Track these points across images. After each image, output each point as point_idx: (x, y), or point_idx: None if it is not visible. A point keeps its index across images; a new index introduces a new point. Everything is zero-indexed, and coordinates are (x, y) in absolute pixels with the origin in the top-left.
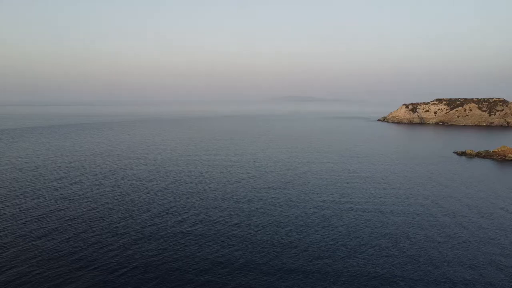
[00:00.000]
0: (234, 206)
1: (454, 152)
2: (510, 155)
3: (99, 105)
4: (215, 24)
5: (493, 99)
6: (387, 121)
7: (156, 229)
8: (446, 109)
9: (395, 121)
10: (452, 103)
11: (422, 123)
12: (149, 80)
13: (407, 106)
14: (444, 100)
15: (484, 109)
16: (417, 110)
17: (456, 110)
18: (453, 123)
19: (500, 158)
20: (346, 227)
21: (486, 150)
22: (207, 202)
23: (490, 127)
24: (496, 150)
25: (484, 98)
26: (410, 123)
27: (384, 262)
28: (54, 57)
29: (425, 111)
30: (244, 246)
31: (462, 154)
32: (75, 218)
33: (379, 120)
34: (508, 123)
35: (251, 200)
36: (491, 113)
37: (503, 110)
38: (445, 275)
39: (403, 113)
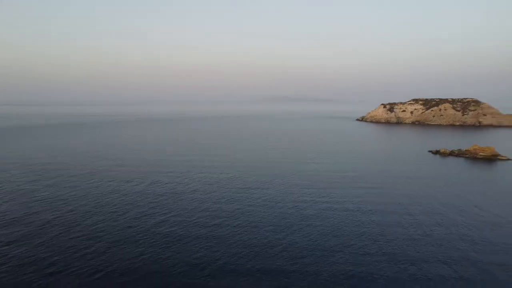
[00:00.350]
0: (213, 207)
1: (429, 151)
2: (481, 153)
3: (85, 105)
4: (208, 23)
5: (467, 100)
6: (366, 121)
7: (134, 231)
8: (422, 109)
9: (373, 120)
10: (428, 103)
11: (399, 122)
12: (137, 79)
13: (384, 106)
14: (421, 100)
15: (458, 109)
16: (394, 110)
17: (431, 110)
18: (428, 122)
19: (472, 157)
20: (324, 227)
21: (459, 149)
22: (185, 203)
23: (463, 126)
24: (469, 149)
25: (458, 99)
26: (388, 122)
27: (362, 260)
28: (39, 55)
29: (402, 111)
30: (223, 247)
31: (437, 153)
32: (49, 222)
33: (357, 119)
34: (480, 122)
35: (230, 201)
36: (465, 113)
37: (475, 110)
38: (421, 271)
39: (381, 113)
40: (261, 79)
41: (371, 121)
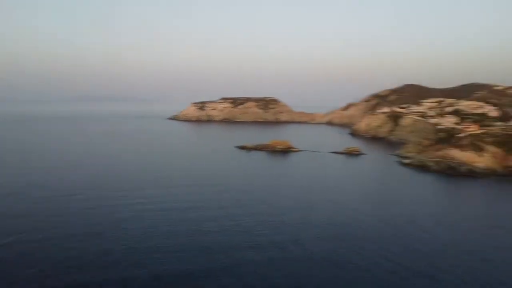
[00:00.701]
0: None
1: (236, 146)
2: (278, 147)
3: None
4: None
5: (268, 98)
6: (178, 119)
7: None
8: (231, 107)
9: (185, 119)
10: (235, 102)
11: (210, 120)
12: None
13: (196, 104)
14: (229, 99)
15: (261, 107)
16: (205, 108)
17: (238, 108)
18: (236, 119)
19: (271, 150)
20: (137, 230)
21: (262, 144)
22: None
23: (265, 122)
24: (269, 143)
25: (261, 97)
26: (199, 120)
27: (179, 257)
28: None
29: (212, 109)
30: None
31: (243, 147)
32: None
33: (170, 118)
34: (278, 119)
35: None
36: (266, 111)
37: (274, 108)
38: (231, 258)
39: (193, 111)
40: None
41: (184, 120)
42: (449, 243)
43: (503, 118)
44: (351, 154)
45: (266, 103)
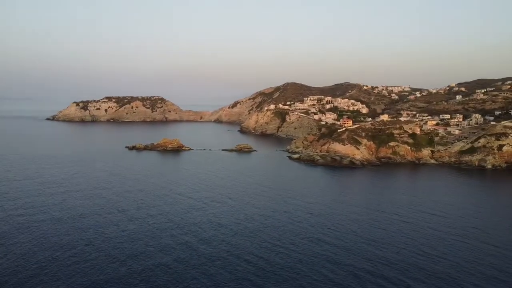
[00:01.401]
0: None
1: (126, 147)
2: (170, 145)
3: None
4: None
5: (154, 98)
6: (58, 120)
7: None
8: (116, 107)
9: (66, 119)
10: (121, 101)
11: (94, 120)
12: None
13: (77, 104)
14: (114, 98)
15: (147, 106)
16: (88, 108)
17: (125, 108)
18: (123, 119)
19: (162, 149)
20: (27, 244)
21: (152, 143)
22: None
23: (153, 122)
24: (159, 143)
25: (147, 97)
26: (82, 121)
27: (75, 270)
28: None
29: (96, 109)
30: None
31: (133, 148)
32: None
33: (48, 119)
34: (166, 118)
35: None
36: (153, 110)
37: (162, 107)
38: (136, 266)
39: (74, 111)
40: None
41: (64, 120)
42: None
43: (372, 114)
44: (243, 151)
45: (153, 102)
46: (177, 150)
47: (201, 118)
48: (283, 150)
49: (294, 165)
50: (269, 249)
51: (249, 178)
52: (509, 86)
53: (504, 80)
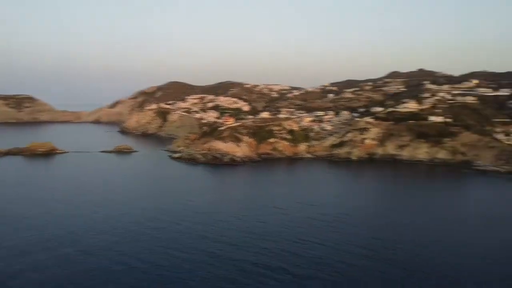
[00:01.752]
0: None
1: None
2: (40, 149)
3: None
4: None
5: (21, 96)
6: None
7: None
8: None
9: None
10: None
11: None
12: None
13: None
14: None
15: (12, 105)
16: None
17: None
18: None
19: (31, 154)
20: None
21: (17, 147)
22: None
23: (19, 123)
24: (28, 146)
25: (11, 95)
26: None
27: None
28: None
29: None
30: None
31: None
32: None
33: None
34: (36, 119)
35: None
36: (20, 110)
37: (31, 107)
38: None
39: None
40: None
41: None
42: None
43: (253, 112)
44: (122, 152)
45: (19, 101)
46: (49, 153)
47: (78, 118)
48: (165, 150)
49: (175, 164)
50: (152, 250)
51: (129, 179)
52: (370, 87)
53: (367, 81)
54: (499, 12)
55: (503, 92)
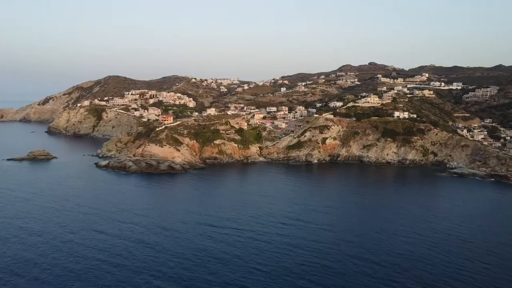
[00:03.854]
0: None
1: None
2: None
3: None
4: None
5: None
6: None
7: None
8: None
9: None
10: None
11: None
12: None
13: None
14: None
15: None
16: None
17: None
18: None
19: None
20: None
21: None
22: None
23: None
24: None
25: None
26: None
27: None
28: None
29: None
30: None
31: None
32: None
33: None
34: None
35: None
36: None
37: None
38: None
39: None
40: None
41: None
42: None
43: (200, 108)
44: (37, 159)
45: None
46: None
47: (1, 117)
48: (93, 155)
49: (101, 175)
50: None
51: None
52: (324, 80)
53: (319, 75)
54: (448, 8)
55: (456, 86)
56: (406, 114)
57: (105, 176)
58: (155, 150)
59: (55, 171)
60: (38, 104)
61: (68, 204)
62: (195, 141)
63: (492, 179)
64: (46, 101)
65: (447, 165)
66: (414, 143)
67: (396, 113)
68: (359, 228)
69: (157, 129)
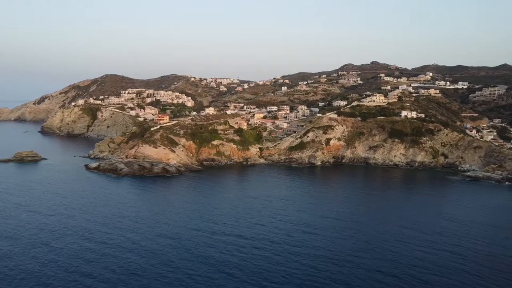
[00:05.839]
0: None
1: None
2: None
3: None
4: None
5: None
6: None
7: None
8: None
9: None
10: None
11: None
12: None
13: None
14: None
15: None
16: None
17: None
18: None
19: None
20: None
21: None
22: None
23: None
24: None
25: None
26: None
27: None
28: None
29: None
30: None
31: None
32: None
33: None
34: None
35: None
36: None
37: None
38: None
39: None
40: None
41: None
42: None
43: (198, 107)
44: (24, 160)
45: None
46: None
47: None
48: (85, 156)
49: (91, 178)
50: None
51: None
52: (325, 80)
53: (320, 74)
54: (448, 8)
55: (462, 85)
56: (414, 114)
57: (94, 179)
58: (148, 151)
59: (39, 174)
60: (34, 103)
61: (42, 217)
62: (191, 141)
63: (509, 183)
64: (42, 100)
65: (459, 168)
66: (423, 144)
67: (404, 113)
68: (375, 241)
69: (151, 129)
